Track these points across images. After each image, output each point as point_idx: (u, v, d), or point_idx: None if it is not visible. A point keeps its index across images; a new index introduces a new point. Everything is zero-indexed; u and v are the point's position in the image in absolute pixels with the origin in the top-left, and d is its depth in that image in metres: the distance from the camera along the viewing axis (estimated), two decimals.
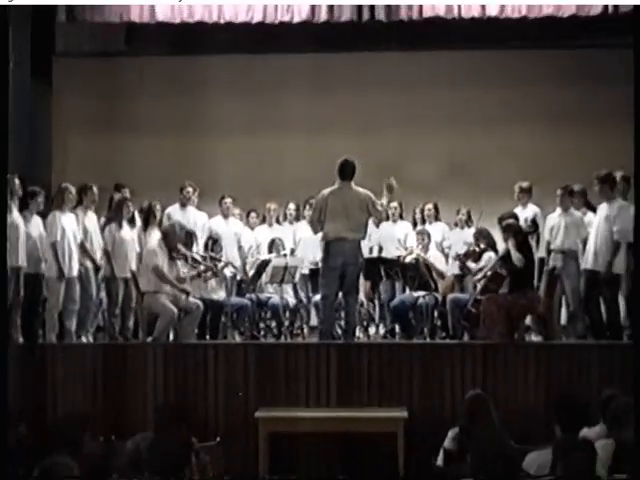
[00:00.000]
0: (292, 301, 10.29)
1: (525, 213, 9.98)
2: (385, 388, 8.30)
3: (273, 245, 10.43)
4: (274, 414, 8.10)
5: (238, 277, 10.40)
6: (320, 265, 9.07)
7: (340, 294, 8.84)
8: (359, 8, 10.35)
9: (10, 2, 7.58)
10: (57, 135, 11.20)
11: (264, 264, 9.97)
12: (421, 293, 9.74)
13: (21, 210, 8.96)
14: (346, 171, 8.70)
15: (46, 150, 10.91)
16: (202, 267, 9.75)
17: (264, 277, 9.96)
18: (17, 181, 8.90)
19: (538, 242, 9.70)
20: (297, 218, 10.99)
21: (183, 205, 10.47)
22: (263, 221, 11.13)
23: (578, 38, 11.53)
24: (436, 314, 9.77)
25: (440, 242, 10.65)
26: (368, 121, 12.27)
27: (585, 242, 9.23)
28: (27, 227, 8.94)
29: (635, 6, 9.38)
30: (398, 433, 7.83)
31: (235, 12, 10.43)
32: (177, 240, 9.29)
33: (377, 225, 9.48)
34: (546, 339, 9.09)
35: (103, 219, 9.61)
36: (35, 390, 8.37)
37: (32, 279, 8.99)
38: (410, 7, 10.30)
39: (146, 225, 9.71)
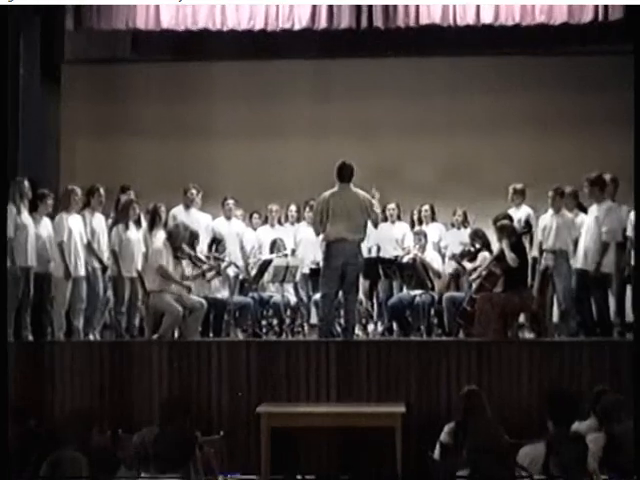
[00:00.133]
0: (293, 300, 10.30)
1: (519, 214, 9.98)
2: (383, 384, 8.30)
3: (275, 245, 10.43)
4: (275, 409, 8.10)
5: (241, 276, 10.39)
6: (321, 265, 9.08)
7: (340, 293, 8.86)
8: (358, 15, 10.36)
9: (10, 2, 7.54)
10: (65, 139, 11.20)
11: (266, 264, 9.97)
12: (418, 292, 9.76)
13: (31, 212, 8.98)
14: (344, 173, 8.72)
15: (55, 153, 10.92)
16: (206, 266, 9.77)
17: (266, 276, 9.95)
18: (27, 184, 8.93)
19: (531, 242, 9.70)
20: (298, 219, 11.00)
21: (187, 207, 10.47)
22: (265, 222, 11.14)
23: (570, 45, 11.55)
24: (433, 312, 9.77)
25: (437, 242, 10.65)
26: (367, 125, 12.27)
27: (576, 242, 9.25)
28: (37, 228, 8.96)
29: (634, 12, 9.45)
30: (396, 427, 7.82)
31: (238, 19, 10.44)
32: (181, 240, 9.31)
33: (375, 226, 9.49)
34: (539, 336, 9.10)
35: (110, 220, 9.63)
36: (44, 386, 8.38)
37: (41, 278, 9.02)
38: (407, 14, 10.31)
39: (152, 226, 9.71)
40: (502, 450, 5.29)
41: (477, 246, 9.69)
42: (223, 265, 9.93)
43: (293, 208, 11.01)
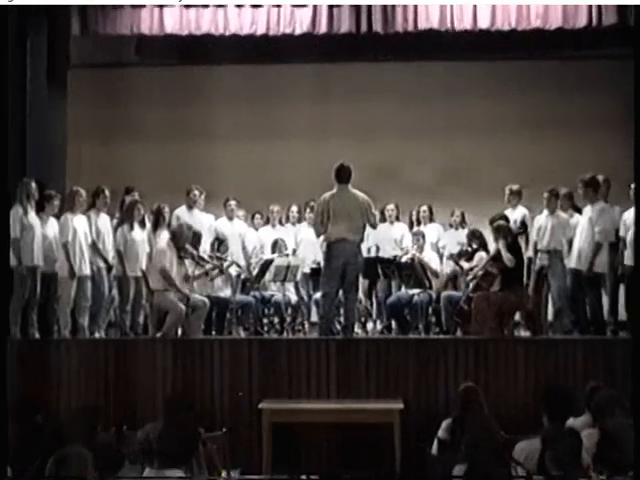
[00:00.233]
0: (294, 298, 10.31)
1: (515, 215, 9.98)
2: (382, 381, 8.30)
3: (276, 245, 10.43)
4: (277, 405, 8.11)
5: (242, 276, 10.40)
6: (322, 265, 9.09)
7: (340, 292, 8.86)
8: (357, 20, 10.35)
9: (10, 2, 7.50)
10: (71, 141, 11.19)
11: (267, 263, 9.97)
12: (416, 291, 9.75)
13: (38, 212, 8.99)
14: (343, 175, 8.74)
15: (61, 155, 10.91)
16: (209, 266, 9.78)
17: (267, 276, 9.95)
18: (34, 185, 8.93)
19: (527, 242, 9.70)
20: (299, 220, 11.02)
21: (190, 207, 10.47)
22: (267, 222, 11.15)
23: (565, 49, 11.56)
24: (430, 311, 9.77)
25: (435, 242, 10.65)
26: (366, 128, 12.28)
27: (570, 242, 9.26)
28: (43, 228, 8.97)
29: (635, 16, 9.47)
30: (394, 424, 7.83)
31: (240, 24, 10.44)
32: (185, 240, 9.31)
33: (373, 228, 9.50)
34: (534, 334, 9.10)
35: (115, 221, 9.64)
36: (50, 383, 8.39)
37: (48, 277, 9.03)
38: (406, 19, 10.30)
39: (155, 226, 9.71)
40: (498, 445, 5.30)
41: (474, 246, 9.69)
42: (225, 265, 9.94)
43: (294, 209, 11.02)
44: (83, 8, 10.31)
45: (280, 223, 11.12)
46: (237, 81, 12.40)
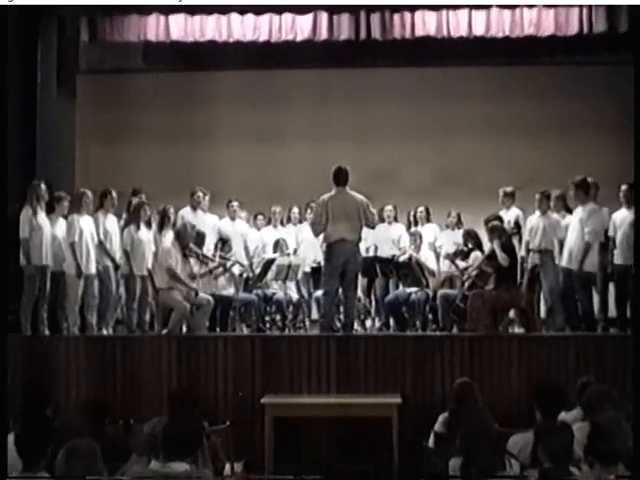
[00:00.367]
0: (295, 297, 10.32)
1: (509, 216, 10.00)
2: (380, 376, 8.31)
3: (278, 245, 10.44)
4: (279, 400, 8.12)
5: (245, 275, 10.41)
6: (322, 264, 9.10)
7: (340, 290, 8.87)
8: (357, 27, 10.38)
9: (10, 2, 7.46)
10: (80, 144, 11.22)
11: (269, 263, 9.98)
12: (413, 289, 9.76)
13: (48, 213, 9.00)
14: (340, 177, 8.76)
15: (70, 158, 10.94)
16: (212, 264, 9.79)
17: (269, 274, 9.96)
18: (43, 187, 8.94)
19: (520, 242, 9.71)
20: (300, 220, 11.02)
21: (194, 208, 10.47)
22: (268, 223, 11.16)
23: (557, 55, 11.57)
24: (427, 308, 9.77)
25: (432, 242, 10.65)
26: (365, 131, 12.27)
27: (561, 242, 9.27)
28: (53, 229, 8.99)
29: (636, 23, 9.51)
30: (392, 418, 7.84)
31: (243, 31, 10.46)
32: (189, 239, 9.32)
33: (372, 228, 9.51)
34: (528, 331, 9.09)
35: (122, 221, 9.64)
36: (59, 378, 8.41)
37: (57, 276, 9.04)
38: (403, 26, 10.32)
39: (161, 227, 9.72)
40: (493, 439, 5.29)
41: (470, 246, 9.70)
42: (229, 264, 9.94)
43: (295, 210, 11.03)
44: (92, 16, 10.35)
45: (281, 224, 11.14)
46: (240, 86, 12.40)
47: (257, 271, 10.19)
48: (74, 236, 9.02)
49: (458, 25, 10.27)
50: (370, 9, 10.28)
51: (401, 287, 10.01)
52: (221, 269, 9.91)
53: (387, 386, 8.25)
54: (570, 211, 9.56)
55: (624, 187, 9.12)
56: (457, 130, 12.18)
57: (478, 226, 9.81)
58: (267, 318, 10.12)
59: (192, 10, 10.34)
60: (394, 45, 10.80)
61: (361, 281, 10.00)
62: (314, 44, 10.62)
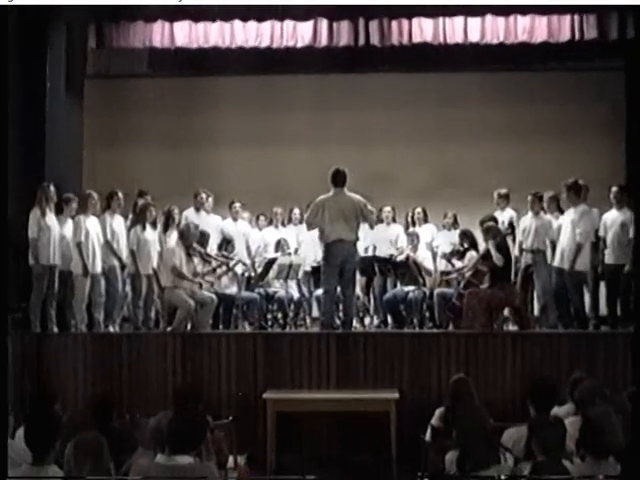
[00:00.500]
0: (296, 295, 10.31)
1: (503, 216, 10.01)
2: (379, 372, 8.33)
3: (279, 245, 10.44)
4: (280, 395, 8.13)
5: (247, 274, 10.41)
6: (321, 263, 9.11)
7: (339, 289, 8.88)
8: (356, 34, 10.39)
9: (10, 2, 7.42)
10: (87, 147, 11.21)
11: (271, 262, 9.98)
12: (411, 288, 9.76)
13: (57, 214, 9.00)
14: (338, 179, 8.78)
15: (78, 161, 10.94)
16: (215, 263, 9.80)
17: (271, 274, 9.96)
18: (52, 189, 8.95)
19: (515, 242, 9.72)
20: (301, 221, 11.00)
21: (197, 209, 10.48)
22: (270, 223, 11.17)
23: (549, 62, 11.58)
24: (424, 307, 9.76)
25: (430, 242, 10.65)
26: (364, 135, 12.27)
27: (553, 242, 9.29)
28: (61, 229, 8.99)
29: (623, 32, 9.57)
30: (390, 412, 7.85)
31: (245, 38, 10.47)
32: (192, 238, 9.33)
33: (371, 227, 9.52)
34: (521, 329, 9.10)
35: (129, 222, 9.65)
36: (67, 374, 8.41)
37: (65, 275, 9.04)
38: (401, 33, 10.34)
39: (166, 227, 9.73)
40: (488, 433, 5.30)
41: (465, 246, 9.71)
42: (232, 263, 9.95)
43: (296, 211, 11.03)
44: (99, 23, 10.37)
45: (283, 224, 11.14)
46: (242, 90, 12.39)
47: (259, 270, 10.20)
48: (80, 236, 9.02)
49: (454, 32, 10.29)
50: (369, 16, 10.30)
51: (399, 286, 10.00)
52: (224, 268, 9.91)
53: (385, 382, 8.26)
54: (563, 212, 9.57)
55: (614, 189, 9.15)
56: (453, 133, 12.18)
57: (474, 227, 9.81)
58: (269, 316, 10.12)
59: (196, 17, 10.36)
60: (392, 51, 10.81)
61: (360, 280, 10.01)
62: (314, 50, 10.63)
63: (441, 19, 10.29)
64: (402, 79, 12.18)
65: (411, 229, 10.66)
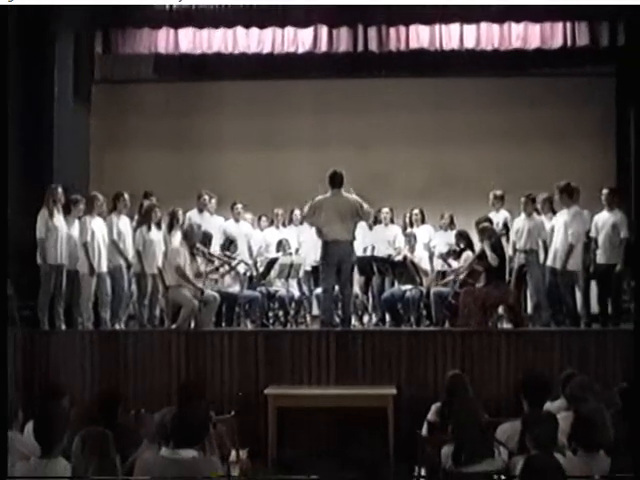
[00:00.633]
0: (297, 294, 10.31)
1: (498, 217, 10.02)
2: (377, 368, 8.32)
3: (280, 245, 10.44)
4: (281, 391, 8.13)
5: (249, 273, 10.41)
6: (319, 263, 9.12)
7: (337, 288, 8.88)
8: (355, 40, 10.43)
9: (10, 2, 7.39)
10: (94, 150, 11.23)
11: (272, 262, 9.99)
12: (408, 287, 9.75)
13: (65, 215, 9.01)
14: (336, 180, 8.80)
15: (85, 163, 10.95)
16: (217, 262, 9.80)
17: (272, 273, 9.97)
18: (60, 190, 8.95)
19: (509, 242, 9.72)
20: (301, 222, 11.02)
21: (200, 210, 10.47)
22: (271, 224, 11.18)
23: (542, 67, 11.59)
24: (421, 305, 9.77)
25: (427, 243, 10.65)
26: (363, 138, 12.28)
27: (545, 243, 9.30)
28: (69, 230, 8.99)
29: (614, 39, 9.60)
30: (388, 408, 7.86)
31: (248, 44, 10.50)
32: (195, 238, 9.32)
33: (370, 228, 9.53)
34: (515, 326, 9.11)
35: (134, 222, 9.65)
36: (75, 370, 8.42)
37: (72, 275, 9.05)
38: (399, 40, 10.38)
39: (170, 228, 9.72)
40: (482, 427, 5.33)
41: (461, 246, 9.70)
42: (234, 263, 9.95)
43: (297, 212, 11.02)
44: (106, 30, 10.39)
45: (283, 225, 11.15)
46: (245, 95, 12.41)
47: (261, 270, 10.20)
48: (86, 237, 9.03)
49: (450, 38, 10.32)
50: (367, 23, 10.33)
51: (396, 285, 10.00)
52: (227, 268, 9.91)
53: (383, 378, 8.26)
54: (556, 213, 9.57)
55: (605, 191, 9.16)
56: (450, 137, 12.19)
57: (470, 227, 9.81)
58: (270, 314, 10.13)
59: (200, 24, 10.38)
60: (390, 57, 10.84)
61: (359, 279, 10.03)
62: (315, 56, 10.66)
63: (437, 26, 10.33)
64: (399, 84, 12.19)
65: (409, 230, 10.67)
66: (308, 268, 10.45)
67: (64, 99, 10.07)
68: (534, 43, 10.24)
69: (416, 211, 10.84)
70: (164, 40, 10.45)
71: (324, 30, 10.40)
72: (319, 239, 8.97)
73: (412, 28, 10.33)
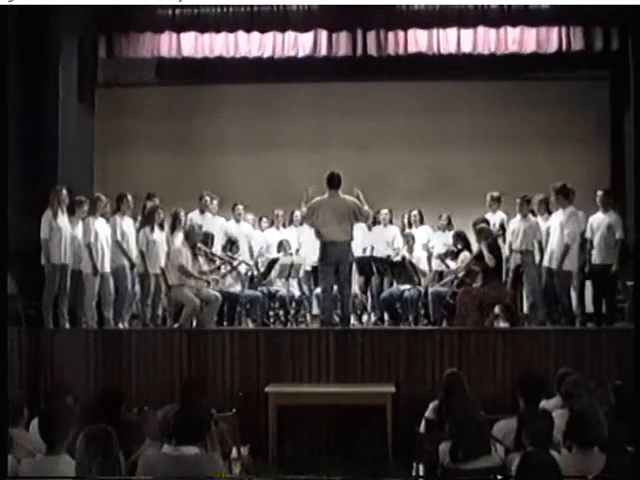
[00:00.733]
0: (297, 293, 10.33)
1: (495, 218, 10.01)
2: (376, 367, 8.32)
3: (281, 245, 10.45)
4: (281, 389, 8.13)
5: (250, 273, 10.42)
6: (318, 263, 9.12)
7: (336, 288, 8.89)
8: (354, 45, 10.44)
9: (10, 2, 7.36)
10: (98, 152, 11.24)
11: (273, 262, 10.00)
12: (406, 287, 9.76)
13: (70, 216, 9.01)
14: (333, 181, 8.82)
15: (89, 165, 10.96)
16: (219, 262, 9.81)
17: (273, 273, 9.98)
18: (65, 192, 8.95)
19: (505, 243, 9.73)
20: (301, 223, 11.02)
21: (202, 211, 10.47)
22: (272, 225, 11.18)
23: (538, 71, 11.60)
24: (419, 304, 9.78)
25: (425, 243, 10.66)
26: (362, 140, 12.28)
27: (540, 243, 9.31)
28: (73, 230, 8.99)
29: (608, 44, 9.61)
30: (386, 405, 7.86)
31: (249, 48, 10.52)
32: (196, 238, 9.32)
33: (369, 228, 9.53)
34: (512, 325, 9.11)
35: (137, 223, 9.65)
36: (79, 368, 8.42)
37: (76, 274, 9.05)
38: (397, 44, 10.39)
39: (173, 228, 9.73)
40: (479, 425, 5.34)
41: (459, 246, 9.70)
42: (235, 263, 9.96)
43: (297, 213, 11.01)
44: (109, 34, 10.40)
45: (284, 226, 11.16)
46: (246, 98, 12.41)
47: (262, 270, 10.21)
48: (90, 237, 9.03)
49: (447, 43, 10.33)
50: (366, 28, 10.34)
51: (395, 285, 10.01)
52: (228, 268, 9.92)
53: (382, 376, 8.26)
54: (552, 214, 9.57)
55: (600, 192, 9.17)
56: (448, 139, 12.20)
57: (467, 228, 9.82)
58: (271, 313, 10.13)
59: (202, 28, 10.40)
60: (388, 61, 10.83)
61: (358, 279, 10.03)
62: (314, 60, 10.66)
63: (435, 30, 10.34)
64: (398, 87, 12.19)
65: (407, 230, 10.67)
66: (308, 268, 10.45)
67: (68, 103, 10.08)
68: (530, 47, 10.26)
69: (415, 212, 10.85)
70: (167, 44, 10.46)
71: (324, 34, 10.41)
72: (318, 240, 8.97)
73: (410, 32, 10.34)
